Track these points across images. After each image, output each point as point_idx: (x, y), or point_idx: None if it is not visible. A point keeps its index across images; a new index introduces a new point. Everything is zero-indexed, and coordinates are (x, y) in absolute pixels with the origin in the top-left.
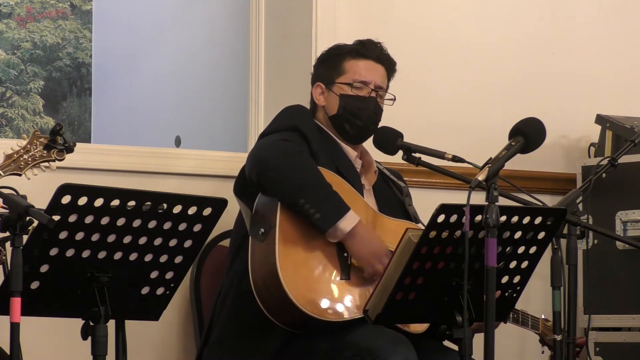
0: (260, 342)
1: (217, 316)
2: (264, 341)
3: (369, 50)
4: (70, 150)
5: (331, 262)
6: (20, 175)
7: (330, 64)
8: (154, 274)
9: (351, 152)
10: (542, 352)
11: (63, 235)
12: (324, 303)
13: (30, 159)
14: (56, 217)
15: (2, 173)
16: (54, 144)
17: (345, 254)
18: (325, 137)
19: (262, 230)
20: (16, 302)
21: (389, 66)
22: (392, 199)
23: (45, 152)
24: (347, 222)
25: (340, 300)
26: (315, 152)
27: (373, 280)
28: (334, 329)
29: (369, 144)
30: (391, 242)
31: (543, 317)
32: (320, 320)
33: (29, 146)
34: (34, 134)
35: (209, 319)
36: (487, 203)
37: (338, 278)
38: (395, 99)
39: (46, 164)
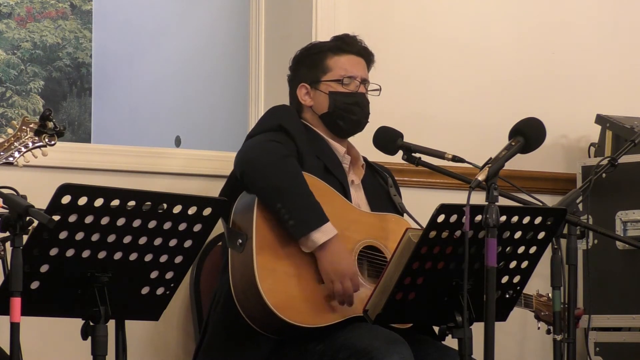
0: (251, 347)
1: (211, 320)
2: (255, 346)
3: (349, 45)
4: (60, 134)
5: (310, 267)
6: (12, 163)
7: (312, 63)
8: (154, 274)
9: (339, 148)
10: (538, 328)
11: (63, 235)
12: (306, 310)
13: (21, 146)
14: (56, 217)
15: None
16: (44, 129)
17: None
18: (313, 135)
19: (240, 241)
20: (16, 302)
21: (369, 58)
22: (381, 191)
23: (36, 137)
24: (321, 235)
25: (323, 304)
26: (302, 150)
27: (332, 298)
28: (324, 331)
29: (369, 145)
30: (377, 237)
31: (537, 291)
32: (304, 327)
33: (19, 133)
34: (23, 120)
35: (204, 323)
36: (487, 203)
37: (319, 283)
38: (380, 89)
39: (38, 150)
